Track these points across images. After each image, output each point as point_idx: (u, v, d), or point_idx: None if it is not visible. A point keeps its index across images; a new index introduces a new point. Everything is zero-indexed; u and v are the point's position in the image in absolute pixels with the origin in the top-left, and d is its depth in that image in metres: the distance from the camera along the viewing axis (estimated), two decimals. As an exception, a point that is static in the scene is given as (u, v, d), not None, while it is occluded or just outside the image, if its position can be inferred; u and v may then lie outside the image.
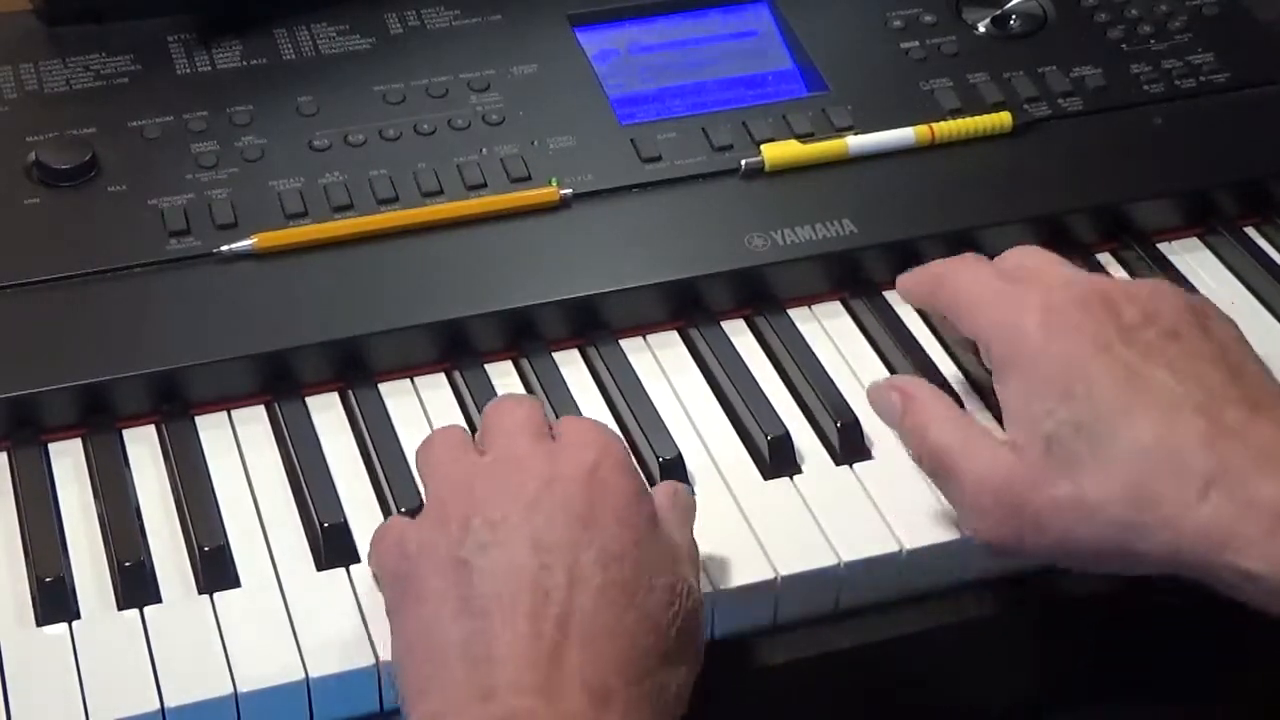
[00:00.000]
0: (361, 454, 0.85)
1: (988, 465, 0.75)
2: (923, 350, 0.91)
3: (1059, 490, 0.73)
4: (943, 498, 0.82)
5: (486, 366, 0.90)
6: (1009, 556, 0.77)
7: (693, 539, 0.76)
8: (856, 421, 0.86)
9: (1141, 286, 0.79)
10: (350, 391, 0.88)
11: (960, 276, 0.82)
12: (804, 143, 0.98)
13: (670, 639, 0.70)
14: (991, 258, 0.96)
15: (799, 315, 0.94)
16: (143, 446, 0.85)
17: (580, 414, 0.87)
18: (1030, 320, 0.77)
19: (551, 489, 0.71)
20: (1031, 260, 0.82)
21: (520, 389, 0.89)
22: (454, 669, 0.67)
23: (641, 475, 0.75)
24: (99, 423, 0.85)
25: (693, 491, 0.80)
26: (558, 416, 0.86)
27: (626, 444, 0.77)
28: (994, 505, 0.75)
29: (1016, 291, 0.79)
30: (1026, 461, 0.74)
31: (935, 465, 0.78)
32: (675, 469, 0.83)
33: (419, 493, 0.82)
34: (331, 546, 0.80)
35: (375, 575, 0.76)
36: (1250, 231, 1.01)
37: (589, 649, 0.67)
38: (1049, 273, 0.81)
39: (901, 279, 0.87)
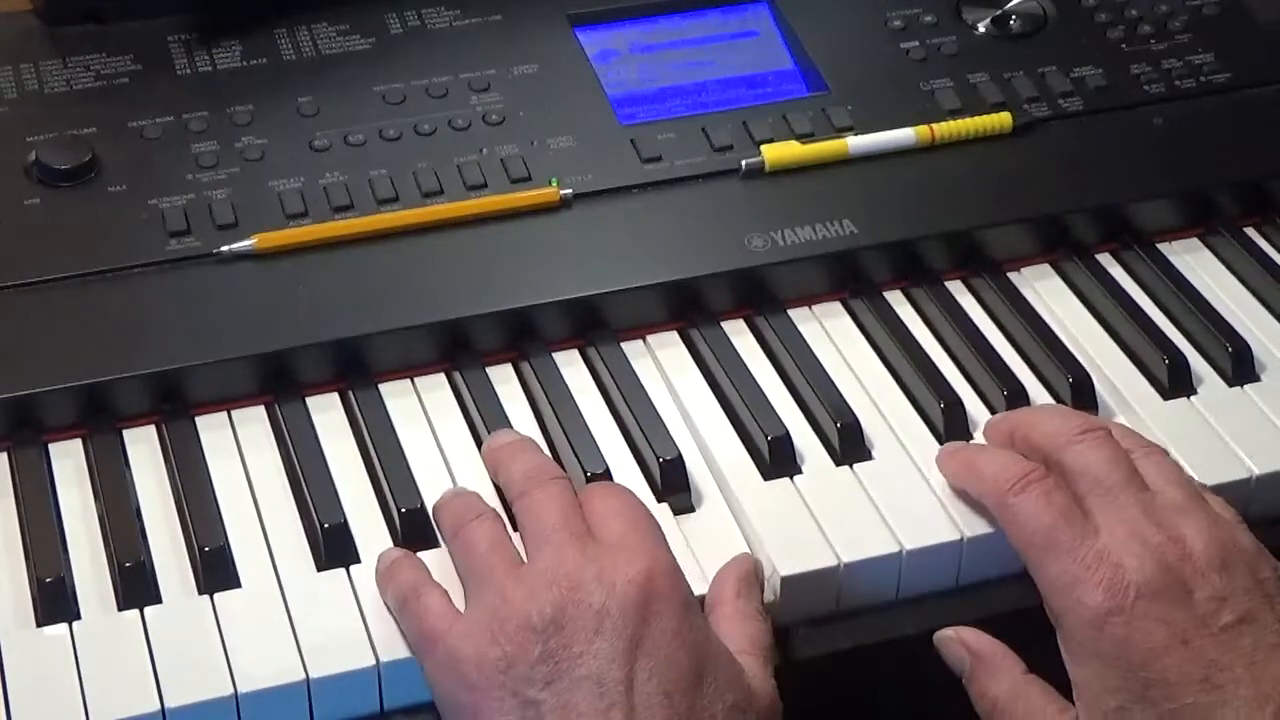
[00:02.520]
0: (361, 454, 0.85)
1: None
2: (923, 350, 0.91)
3: None
4: (943, 498, 0.83)
5: (486, 367, 0.90)
6: None
7: (760, 625, 0.76)
8: (856, 421, 0.86)
9: (1211, 546, 0.74)
10: (350, 391, 0.88)
11: (1022, 502, 0.77)
12: (804, 143, 0.98)
13: None
14: (994, 262, 0.96)
15: (799, 315, 0.93)
16: (143, 446, 0.85)
17: (580, 414, 0.87)
18: (1099, 599, 0.73)
19: (609, 618, 0.70)
20: (1090, 466, 0.77)
21: (520, 389, 0.89)
22: None
23: (684, 576, 0.74)
24: (99, 423, 0.85)
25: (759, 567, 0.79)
26: (558, 418, 0.86)
27: (657, 522, 0.76)
28: None
29: (1081, 549, 0.75)
30: None
31: None
32: (675, 469, 0.83)
33: (419, 493, 0.82)
34: (331, 546, 0.80)
35: (430, 683, 0.74)
36: (1250, 231, 1.01)
37: None
38: (1109, 504, 0.76)
39: (947, 464, 0.83)
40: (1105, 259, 0.98)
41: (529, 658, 0.70)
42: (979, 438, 0.87)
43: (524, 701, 0.69)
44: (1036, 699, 0.76)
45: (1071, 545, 0.75)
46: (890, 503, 0.82)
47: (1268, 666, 0.72)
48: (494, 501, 0.80)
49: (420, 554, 0.79)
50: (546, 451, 0.84)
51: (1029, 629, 0.78)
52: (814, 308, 0.95)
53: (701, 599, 0.77)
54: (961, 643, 0.79)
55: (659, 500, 0.83)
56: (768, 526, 0.81)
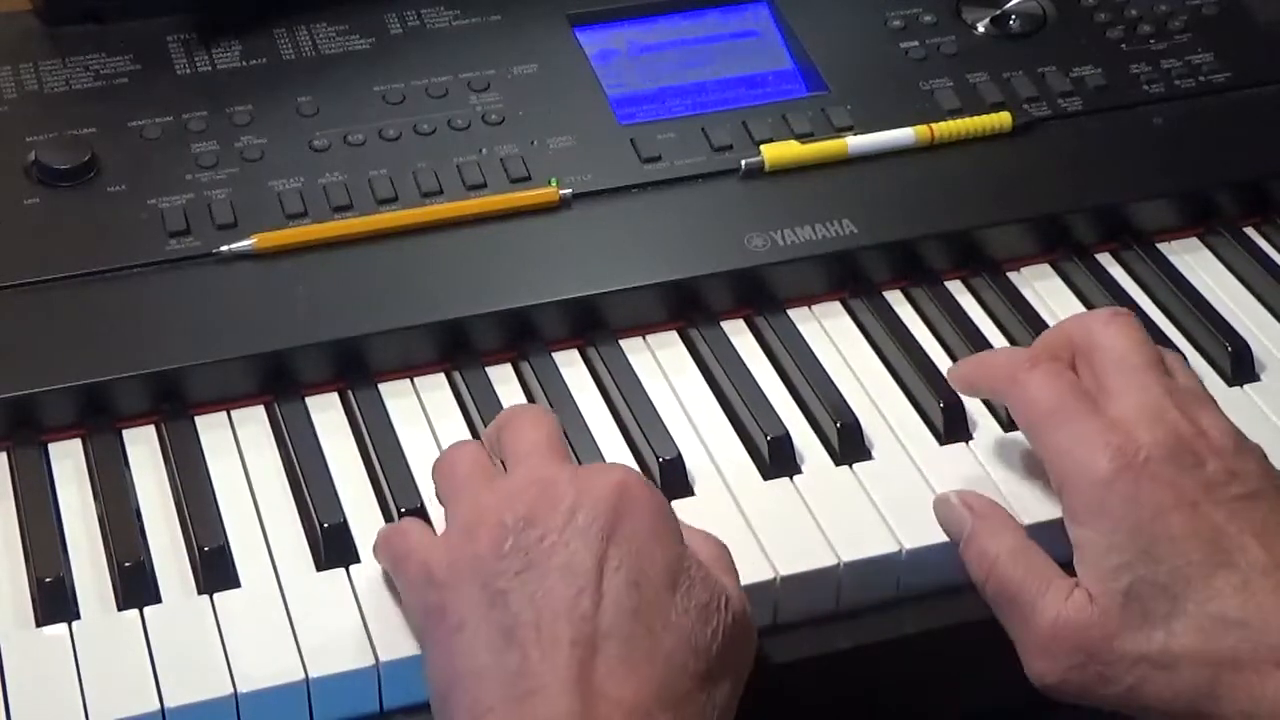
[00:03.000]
0: (361, 454, 0.85)
1: (1061, 611, 0.73)
2: (922, 350, 0.91)
3: (1134, 645, 0.72)
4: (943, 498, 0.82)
5: (486, 367, 0.90)
6: (1069, 700, 0.75)
7: (723, 546, 0.76)
8: (856, 421, 0.86)
9: (1228, 434, 0.76)
10: (350, 391, 0.88)
11: (1033, 378, 0.78)
12: (804, 143, 0.98)
13: (712, 657, 0.69)
14: (994, 262, 0.96)
15: (799, 315, 0.94)
16: (143, 446, 0.85)
17: (580, 414, 0.87)
18: (1107, 463, 0.74)
19: (579, 511, 0.70)
20: (1117, 344, 0.78)
21: (520, 389, 0.89)
22: (498, 702, 0.67)
23: (664, 497, 0.74)
24: (99, 423, 0.85)
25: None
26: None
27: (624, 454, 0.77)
28: (1065, 652, 0.73)
29: (1093, 419, 0.75)
30: (1102, 611, 0.73)
31: (1003, 599, 0.76)
32: (675, 469, 0.83)
33: (419, 493, 0.82)
34: (331, 546, 0.80)
35: (402, 596, 0.75)
36: (1250, 231, 1.01)
37: (628, 675, 0.67)
38: (1129, 382, 0.76)
39: (958, 370, 0.84)
40: (1105, 259, 0.98)
41: (499, 552, 0.70)
42: (980, 437, 0.86)
43: (493, 592, 0.69)
44: (1038, 560, 0.76)
45: (1082, 412, 0.76)
46: (890, 503, 0.83)
47: (1277, 538, 0.72)
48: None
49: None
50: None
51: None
52: (814, 308, 0.95)
53: None
54: (963, 503, 0.79)
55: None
56: (768, 526, 0.81)
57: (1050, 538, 0.77)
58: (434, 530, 0.76)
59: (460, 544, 0.71)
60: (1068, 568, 0.75)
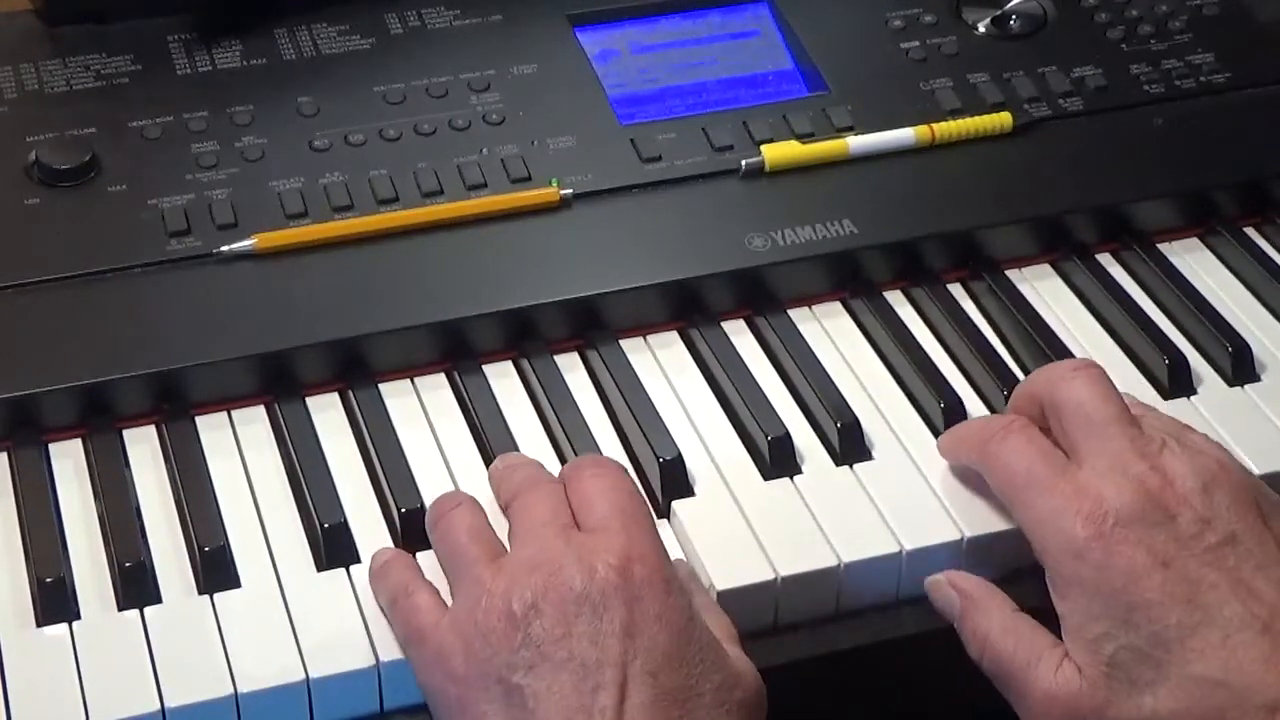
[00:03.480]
0: (361, 454, 0.85)
1: (1052, 684, 0.74)
2: (922, 350, 0.91)
3: (1125, 713, 0.72)
4: (943, 497, 0.82)
5: (486, 366, 0.90)
6: None
7: (725, 617, 0.76)
8: (856, 421, 0.86)
9: (1193, 475, 0.74)
10: (350, 391, 0.88)
11: (1004, 447, 0.78)
12: (804, 143, 0.98)
13: None
14: (994, 262, 0.96)
15: (799, 315, 0.93)
16: (143, 446, 0.85)
17: (580, 414, 0.87)
18: (1079, 530, 0.73)
19: (589, 602, 0.70)
20: (1083, 400, 0.78)
21: (520, 389, 0.89)
22: None
23: (667, 556, 0.74)
24: (99, 423, 0.85)
25: None
26: (558, 417, 0.86)
27: (645, 502, 0.76)
28: None
29: (1061, 484, 0.75)
30: (1090, 683, 0.73)
31: (998, 673, 0.77)
32: (675, 469, 0.83)
33: (419, 493, 0.82)
34: (331, 546, 0.80)
35: (418, 678, 0.74)
36: (1250, 231, 1.01)
37: None
38: (1094, 439, 0.76)
39: (941, 441, 0.84)
40: (1105, 259, 0.98)
41: (511, 644, 0.70)
42: None
43: (508, 689, 0.69)
44: (1026, 633, 0.76)
45: (1052, 481, 0.75)
46: (890, 503, 0.83)
47: (1254, 585, 0.72)
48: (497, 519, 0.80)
49: (419, 555, 0.79)
50: (553, 457, 0.85)
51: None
52: (814, 308, 0.95)
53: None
54: (951, 585, 0.79)
55: (659, 500, 0.83)
56: (768, 526, 0.81)
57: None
58: (440, 598, 0.75)
59: (472, 635, 0.71)
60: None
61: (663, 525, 0.82)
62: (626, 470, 0.78)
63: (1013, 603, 0.78)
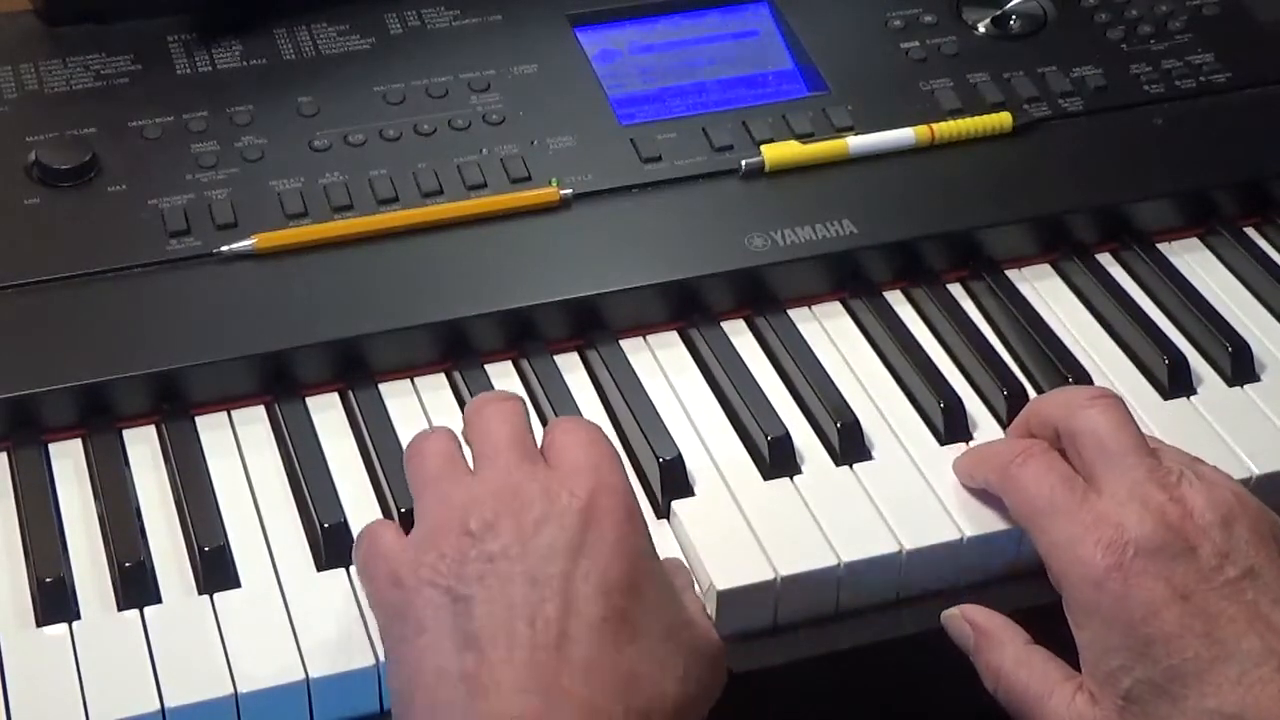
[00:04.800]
0: (361, 454, 0.85)
1: (1066, 717, 0.74)
2: (923, 350, 0.91)
3: None
4: (943, 497, 0.82)
5: (486, 366, 0.90)
6: None
7: (685, 568, 0.77)
8: (856, 421, 0.86)
9: (1212, 508, 0.74)
10: (350, 391, 0.88)
11: (1025, 471, 0.78)
12: (804, 143, 0.98)
13: (679, 672, 0.70)
14: (994, 262, 0.96)
15: (799, 315, 0.94)
16: (143, 446, 0.85)
17: (580, 414, 0.87)
18: (1099, 558, 0.73)
19: (547, 520, 0.70)
20: (1097, 428, 0.77)
21: (520, 389, 0.89)
22: (458, 703, 0.67)
23: (636, 499, 0.73)
24: (99, 423, 0.85)
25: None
26: (556, 416, 0.86)
27: (618, 450, 0.75)
28: None
29: (1081, 511, 0.75)
30: (1104, 714, 0.73)
31: (1014, 706, 0.76)
32: (675, 469, 0.83)
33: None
34: (331, 546, 0.80)
35: (368, 597, 0.75)
36: (1250, 231, 1.01)
37: (591, 677, 0.67)
38: (1113, 468, 0.76)
39: (958, 462, 0.84)
40: (1105, 259, 0.98)
41: (463, 557, 0.69)
42: (980, 437, 0.87)
43: (455, 598, 0.69)
44: (1039, 665, 0.76)
45: (1072, 507, 0.75)
46: (890, 503, 0.83)
47: (1271, 619, 0.72)
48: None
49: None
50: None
51: (1029, 629, 0.78)
52: (814, 308, 0.95)
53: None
54: (965, 619, 0.79)
55: (659, 500, 0.83)
56: (768, 526, 0.81)
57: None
58: (405, 535, 0.75)
59: (425, 548, 0.71)
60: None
61: (663, 525, 0.82)
62: (604, 430, 0.76)
63: (1026, 635, 0.78)
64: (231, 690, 0.74)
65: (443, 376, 0.90)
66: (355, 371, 0.88)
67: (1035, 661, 0.77)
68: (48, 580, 0.77)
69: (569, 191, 0.95)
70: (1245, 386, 0.91)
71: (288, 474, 0.84)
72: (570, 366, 0.90)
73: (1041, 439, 0.80)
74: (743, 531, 0.81)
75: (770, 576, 0.79)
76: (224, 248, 0.90)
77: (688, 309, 0.93)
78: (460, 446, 0.77)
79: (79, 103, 0.97)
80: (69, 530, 0.81)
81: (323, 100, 0.98)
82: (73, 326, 0.87)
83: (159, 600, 0.78)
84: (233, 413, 0.87)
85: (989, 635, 0.78)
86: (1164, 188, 1.00)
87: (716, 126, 0.99)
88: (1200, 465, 0.78)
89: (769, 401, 0.87)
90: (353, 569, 0.79)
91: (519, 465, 0.73)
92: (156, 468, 0.85)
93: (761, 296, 0.93)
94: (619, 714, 0.67)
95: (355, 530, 0.80)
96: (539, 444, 0.76)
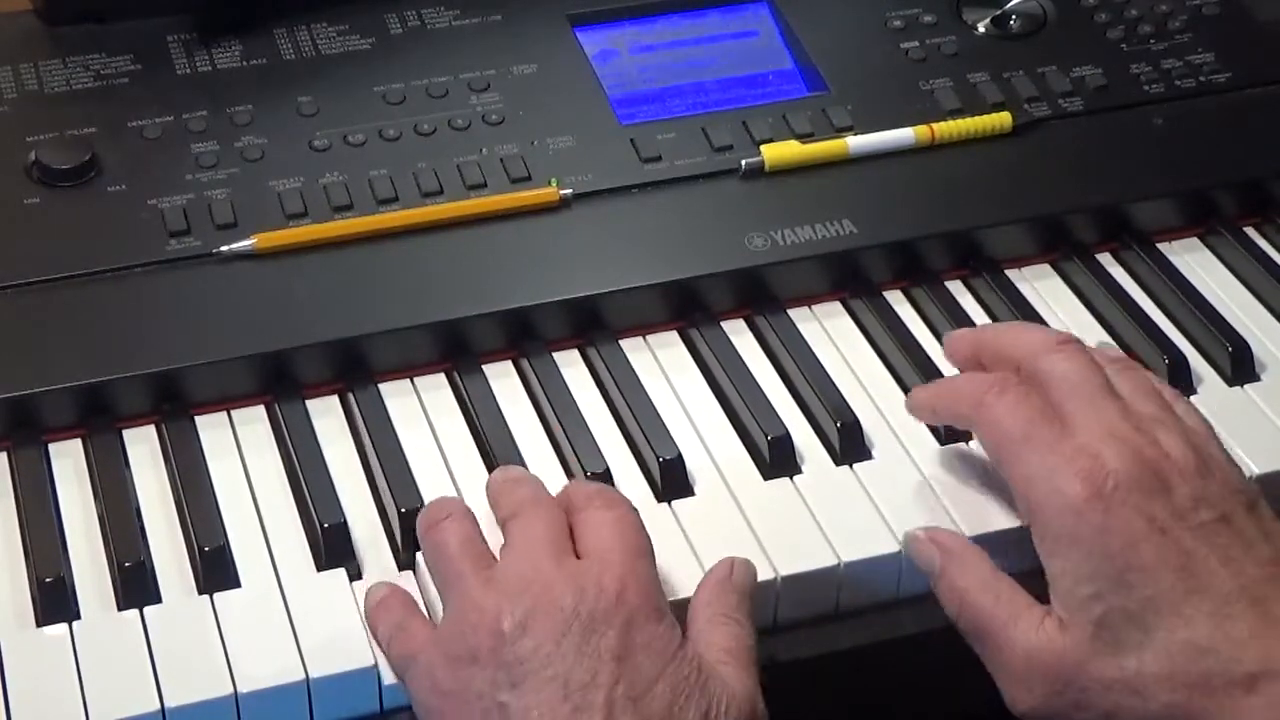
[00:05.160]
0: (361, 454, 0.85)
1: (1033, 641, 0.74)
2: (923, 350, 0.91)
3: (1108, 672, 0.73)
4: (943, 497, 0.82)
5: (486, 366, 0.90)
6: None
7: (741, 639, 0.75)
8: (856, 421, 0.86)
9: (1188, 453, 0.75)
10: (350, 392, 0.88)
11: (1001, 403, 0.77)
12: (804, 143, 0.98)
13: None
14: (994, 262, 0.96)
15: (799, 315, 0.94)
16: (143, 446, 0.85)
17: (580, 414, 0.87)
18: (1079, 490, 0.73)
19: (579, 622, 0.70)
20: (1067, 373, 0.78)
21: (520, 389, 0.89)
22: None
23: (663, 596, 0.73)
24: (99, 423, 0.85)
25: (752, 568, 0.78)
26: (559, 418, 0.86)
27: (649, 541, 0.75)
28: (1038, 680, 0.74)
29: (1060, 444, 0.75)
30: (1074, 640, 0.73)
31: (975, 631, 0.76)
32: (675, 469, 0.83)
33: (419, 493, 0.82)
34: (331, 547, 0.80)
35: (406, 687, 0.75)
36: (1250, 231, 1.01)
37: None
38: (1085, 409, 0.76)
39: (918, 395, 0.84)
40: (1105, 259, 0.98)
41: (497, 661, 0.70)
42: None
43: (490, 704, 0.69)
44: (1006, 591, 0.76)
45: (1049, 439, 0.75)
46: (890, 503, 0.83)
47: (1244, 563, 0.73)
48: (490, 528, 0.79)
49: (418, 554, 0.79)
50: (553, 457, 0.85)
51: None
52: (814, 308, 0.95)
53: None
54: (932, 541, 0.79)
55: (659, 500, 0.83)
56: (768, 526, 0.81)
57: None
58: (433, 626, 0.75)
59: (459, 651, 0.71)
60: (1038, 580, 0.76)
61: (662, 525, 0.82)
62: (635, 508, 0.77)
63: (992, 562, 0.78)
64: (231, 690, 0.74)
65: (443, 376, 0.90)
66: (355, 371, 0.88)
67: (1001, 587, 0.76)
68: (48, 580, 0.77)
69: (569, 191, 0.95)
70: (1245, 386, 0.91)
71: (288, 474, 0.84)
72: (570, 366, 0.90)
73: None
74: (743, 531, 0.81)
75: (770, 576, 0.79)
76: (224, 248, 0.90)
77: (688, 309, 0.93)
78: (478, 528, 0.77)
79: (79, 103, 0.97)
80: (69, 530, 0.81)
81: (323, 100, 0.98)
82: (73, 326, 0.87)
83: (159, 600, 0.78)
84: (233, 413, 0.87)
85: (955, 556, 0.78)
86: (1164, 188, 1.00)
87: (716, 126, 0.99)
88: (1178, 403, 0.79)
89: (769, 401, 0.87)
90: (354, 575, 0.79)
91: (548, 559, 0.73)
92: (156, 468, 0.85)
93: (761, 296, 0.93)
94: None
95: (355, 530, 0.81)
96: (568, 507, 0.76)
